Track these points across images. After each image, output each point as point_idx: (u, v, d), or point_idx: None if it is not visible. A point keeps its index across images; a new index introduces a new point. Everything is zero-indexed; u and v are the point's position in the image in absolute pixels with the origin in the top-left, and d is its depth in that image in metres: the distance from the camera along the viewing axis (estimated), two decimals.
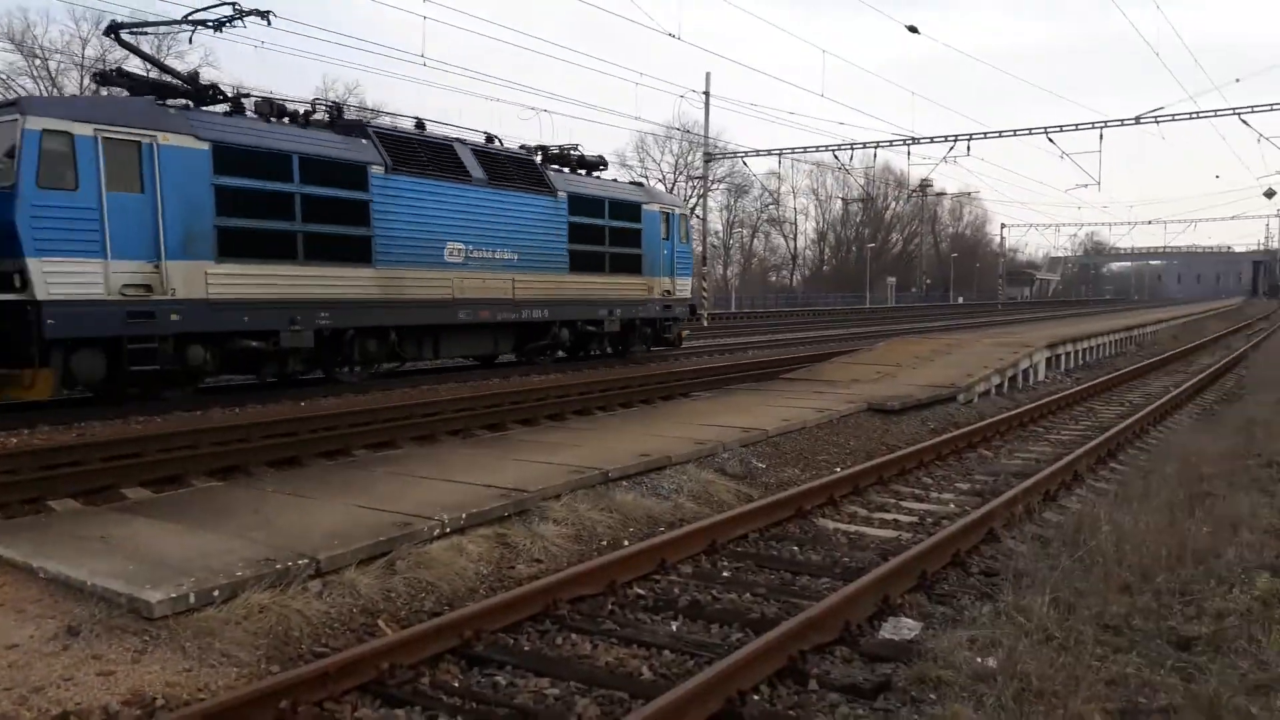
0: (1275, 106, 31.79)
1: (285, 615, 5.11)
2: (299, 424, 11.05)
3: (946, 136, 36.65)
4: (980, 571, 6.47)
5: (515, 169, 18.58)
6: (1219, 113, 31.95)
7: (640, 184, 26.88)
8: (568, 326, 19.88)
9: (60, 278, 11.56)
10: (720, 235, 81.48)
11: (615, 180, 22.94)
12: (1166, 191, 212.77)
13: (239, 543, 5.96)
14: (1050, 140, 34.37)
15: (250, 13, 14.60)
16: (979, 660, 4.47)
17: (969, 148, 36.44)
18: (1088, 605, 5.06)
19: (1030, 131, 35.02)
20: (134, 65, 17.51)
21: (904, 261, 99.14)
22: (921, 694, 4.38)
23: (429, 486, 7.70)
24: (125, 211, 12.21)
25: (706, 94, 40.19)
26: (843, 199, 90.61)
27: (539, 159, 19.83)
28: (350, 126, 15.97)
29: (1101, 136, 34.56)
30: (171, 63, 49.48)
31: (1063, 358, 21.22)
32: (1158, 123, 33.13)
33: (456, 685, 4.62)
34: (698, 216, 47.82)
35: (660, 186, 63.50)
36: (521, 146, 19.94)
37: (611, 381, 15.88)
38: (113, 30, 14.80)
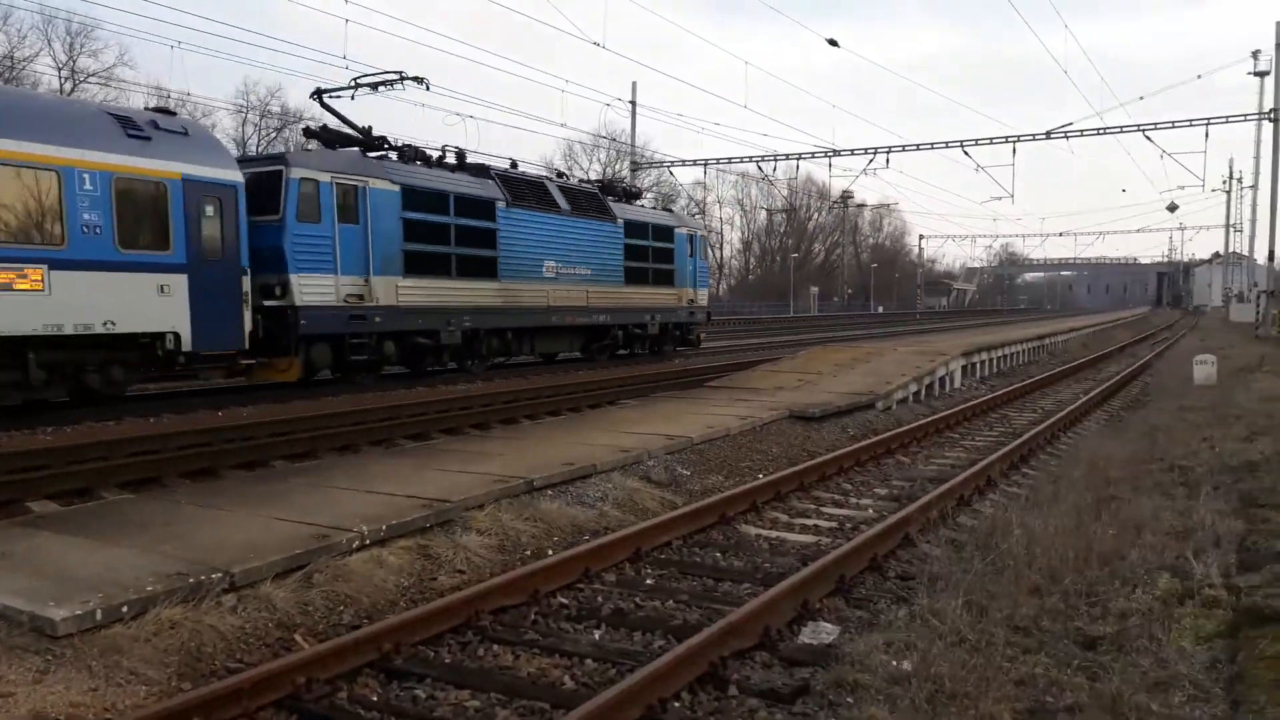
0: (1177, 124, 33.18)
1: (198, 631, 4.98)
2: (215, 434, 10.79)
3: (867, 149, 37.42)
4: (897, 575, 6.60)
5: (587, 200, 23.04)
6: (1124, 129, 33.21)
7: (670, 210, 31.94)
8: (622, 329, 24.12)
9: (309, 288, 15.34)
10: None
11: (653, 208, 28.96)
12: (1076, 205, 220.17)
13: (150, 557, 5.79)
14: (966, 153, 35.33)
15: (412, 78, 18.93)
16: (894, 663, 4.57)
17: (888, 160, 37.31)
18: (999, 607, 5.20)
19: (947, 145, 35.96)
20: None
21: (826, 271, 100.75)
22: (839, 697, 4.46)
23: (349, 498, 7.58)
24: (348, 238, 16.10)
25: (633, 103, 40.39)
26: (767, 209, 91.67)
27: (598, 190, 24.46)
28: (477, 169, 20.00)
29: (1014, 150, 35.70)
30: (85, 61, 48.12)
31: (978, 365, 21.78)
32: (1067, 138, 34.31)
33: (375, 699, 4.56)
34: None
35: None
36: (582, 180, 24.98)
37: (539, 390, 15.88)
38: (317, 94, 18.58)
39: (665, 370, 20.53)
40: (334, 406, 13.47)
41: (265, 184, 15.14)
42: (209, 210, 13.84)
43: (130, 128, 13.17)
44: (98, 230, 12.45)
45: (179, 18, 55.70)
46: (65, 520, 7.05)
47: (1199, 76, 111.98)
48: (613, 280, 23.38)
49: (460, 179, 19.00)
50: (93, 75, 47.30)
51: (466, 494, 7.59)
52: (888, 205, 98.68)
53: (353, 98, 19.30)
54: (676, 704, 4.46)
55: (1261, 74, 37.00)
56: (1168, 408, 14.89)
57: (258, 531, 6.45)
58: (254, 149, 54.57)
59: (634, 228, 24.42)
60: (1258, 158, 42.14)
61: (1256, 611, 4.78)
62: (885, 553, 6.90)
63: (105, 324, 12.49)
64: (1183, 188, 77.78)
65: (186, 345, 13.43)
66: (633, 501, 8.55)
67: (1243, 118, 35.33)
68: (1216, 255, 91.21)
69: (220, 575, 5.45)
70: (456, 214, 18.41)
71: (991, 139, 35.73)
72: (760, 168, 41.03)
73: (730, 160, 41.53)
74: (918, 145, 36.69)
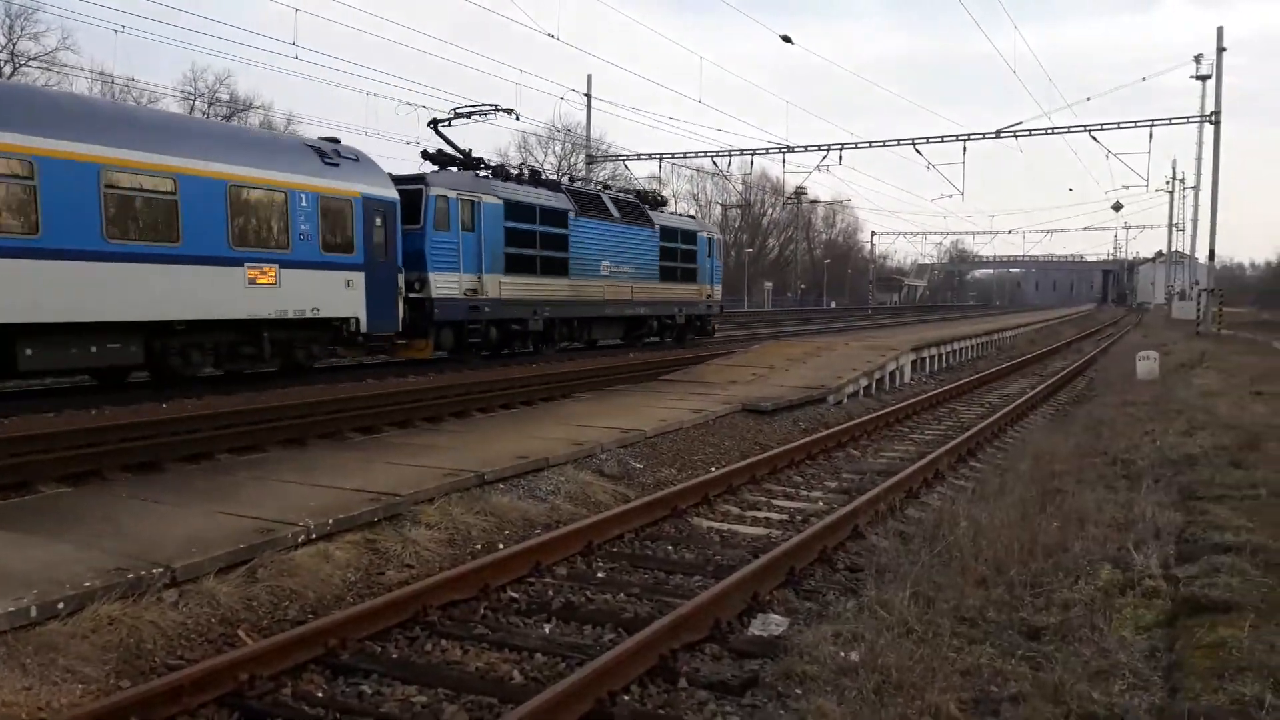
0: (1123, 125, 33.81)
1: (137, 627, 4.87)
2: (159, 426, 10.53)
3: (821, 146, 37.60)
4: (846, 567, 6.66)
5: (631, 209, 26.76)
6: (1072, 129, 33.81)
7: (694, 216, 37.02)
8: (656, 320, 27.99)
9: (441, 284, 18.88)
10: None
11: (679, 214, 34.76)
12: (1025, 203, 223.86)
13: (89, 552, 5.65)
14: (917, 151, 35.71)
15: (504, 109, 23.26)
16: (842, 654, 4.60)
17: (841, 157, 37.51)
18: (946, 598, 5.26)
19: (899, 142, 36.32)
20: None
21: (780, 266, 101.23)
22: (788, 689, 4.48)
23: (295, 491, 7.46)
24: (468, 243, 19.66)
25: (588, 95, 40.23)
26: (722, 204, 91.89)
27: (638, 199, 27.97)
28: (551, 184, 23.82)
29: (965, 149, 36.13)
30: (26, 44, 46.80)
31: (928, 360, 22.05)
32: (1016, 137, 34.81)
33: (320, 695, 4.50)
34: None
35: None
36: (623, 190, 28.56)
37: (493, 382, 15.80)
38: (433, 124, 22.19)
39: (623, 364, 20.56)
40: (281, 399, 13.25)
41: (409, 199, 18.38)
42: (378, 221, 17.26)
43: (325, 157, 16.52)
44: (309, 238, 15.80)
45: (122, 2, 54.18)
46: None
47: (1144, 79, 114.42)
48: (651, 278, 27.12)
49: (541, 193, 22.65)
50: (34, 59, 45.96)
51: (416, 487, 7.52)
52: (841, 201, 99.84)
53: (449, 124, 22.55)
54: (626, 697, 4.44)
55: (1203, 78, 37.75)
56: (1111, 402, 15.19)
57: (201, 525, 6.33)
58: None
59: (667, 232, 28.19)
60: (1199, 159, 42.95)
61: (1194, 601, 4.88)
62: (835, 545, 6.95)
63: (313, 310, 15.89)
64: (1128, 187, 79.26)
65: (364, 328, 16.86)
66: (585, 495, 8.53)
67: (1185, 120, 36.15)
68: (1160, 254, 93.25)
69: (161, 570, 5.33)
70: (541, 222, 22.04)
71: (943, 137, 36.15)
72: (715, 163, 41.17)
73: (686, 155, 41.49)
74: (870, 143, 37.06)
